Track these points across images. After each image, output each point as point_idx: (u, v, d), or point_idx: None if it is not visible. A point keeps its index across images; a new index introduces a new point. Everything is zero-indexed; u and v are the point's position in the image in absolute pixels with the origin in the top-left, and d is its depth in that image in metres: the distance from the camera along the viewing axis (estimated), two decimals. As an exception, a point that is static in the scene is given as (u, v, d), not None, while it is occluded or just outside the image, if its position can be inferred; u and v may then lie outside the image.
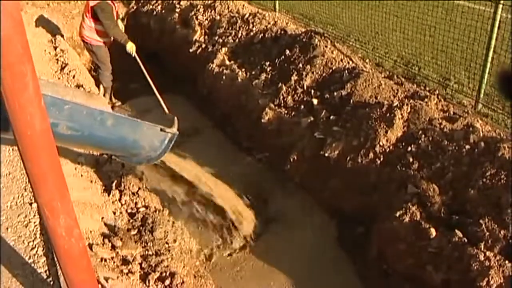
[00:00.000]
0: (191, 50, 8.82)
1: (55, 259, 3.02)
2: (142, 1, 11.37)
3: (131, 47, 7.17)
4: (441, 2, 7.60)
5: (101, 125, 2.96)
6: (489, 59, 5.50)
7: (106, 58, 7.53)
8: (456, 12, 6.32)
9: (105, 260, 3.63)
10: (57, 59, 7.72)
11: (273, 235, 5.56)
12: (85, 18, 7.22)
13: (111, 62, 7.61)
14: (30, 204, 3.94)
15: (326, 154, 5.42)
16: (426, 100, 5.46)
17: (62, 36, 8.96)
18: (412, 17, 6.94)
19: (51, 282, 3.19)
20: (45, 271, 3.29)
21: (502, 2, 5.22)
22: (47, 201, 1.99)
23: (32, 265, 3.34)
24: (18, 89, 1.78)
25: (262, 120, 6.37)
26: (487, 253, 3.91)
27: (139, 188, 4.75)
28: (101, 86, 7.73)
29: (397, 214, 4.49)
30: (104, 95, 7.55)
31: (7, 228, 3.67)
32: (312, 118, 5.91)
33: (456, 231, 4.14)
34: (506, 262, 3.85)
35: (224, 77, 7.57)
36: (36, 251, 3.46)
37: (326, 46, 6.77)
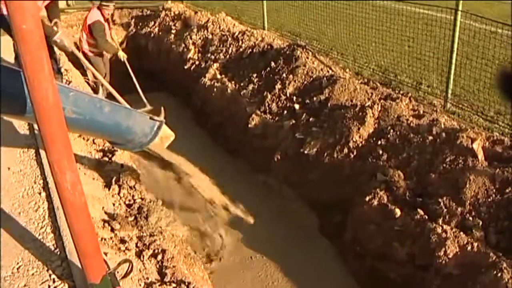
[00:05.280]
0: (185, 67, 9.43)
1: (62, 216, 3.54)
2: (140, 24, 12.03)
3: (121, 55, 8.29)
4: (421, 16, 8.13)
5: (100, 111, 3.49)
6: (453, 61, 6.06)
7: (100, 66, 8.48)
8: (434, 23, 6.85)
9: (105, 239, 4.11)
10: (62, 77, 8.32)
11: (261, 227, 6.06)
12: (83, 34, 8.31)
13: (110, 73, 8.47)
14: (39, 193, 4.47)
15: (306, 152, 5.95)
16: (397, 101, 6.00)
17: (67, 57, 9.57)
18: (393, 30, 7.51)
19: (58, 253, 3.70)
20: (53, 244, 3.79)
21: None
22: (56, 159, 2.51)
23: (42, 240, 3.85)
24: (36, 69, 2.33)
25: (249, 126, 6.93)
26: (444, 226, 4.41)
27: (136, 183, 5.27)
28: (100, 90, 8.51)
29: (367, 199, 5.00)
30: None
31: (19, 213, 4.18)
32: (293, 121, 6.47)
33: (418, 210, 4.64)
34: (461, 233, 4.35)
35: (215, 89, 8.16)
36: (45, 230, 3.97)
37: (307, 57, 7.37)
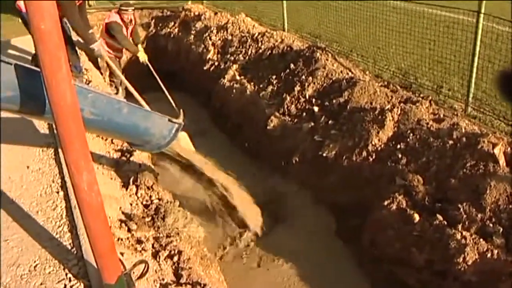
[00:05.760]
0: (205, 68, 9.45)
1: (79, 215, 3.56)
2: (160, 25, 12.09)
3: (141, 56, 8.43)
4: (443, 18, 8.03)
5: (119, 112, 3.50)
6: (475, 64, 5.97)
7: (117, 64, 8.56)
8: (456, 26, 6.75)
9: (122, 240, 4.12)
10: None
11: (278, 230, 6.04)
12: (103, 35, 8.42)
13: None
14: (57, 192, 4.51)
15: (324, 154, 5.91)
16: (417, 104, 5.93)
17: (87, 56, 9.68)
18: (414, 33, 7.42)
19: (74, 252, 3.73)
20: (70, 244, 3.82)
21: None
22: (74, 160, 2.51)
23: (59, 239, 3.88)
24: (55, 69, 2.34)
25: (268, 127, 6.91)
26: (464, 232, 4.34)
27: (153, 183, 5.28)
28: (120, 90, 8.61)
29: (385, 203, 4.94)
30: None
31: (37, 212, 4.23)
32: (312, 124, 6.43)
33: (437, 215, 4.57)
34: (481, 240, 4.27)
35: (234, 90, 8.16)
36: (62, 229, 4.00)
37: (327, 59, 7.32)
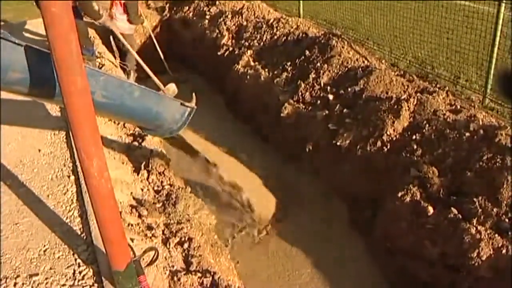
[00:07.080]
0: (219, 53, 9.37)
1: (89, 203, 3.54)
2: (174, 9, 12.01)
3: (145, 24, 9.40)
4: (462, 7, 7.85)
5: (130, 96, 3.45)
6: (494, 55, 5.84)
7: (134, 44, 8.88)
8: (476, 15, 6.60)
9: (132, 225, 4.10)
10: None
11: (290, 218, 6.00)
12: (117, 13, 8.50)
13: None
14: (68, 176, 4.50)
15: (338, 143, 5.83)
16: (434, 94, 5.82)
17: (101, 39, 9.65)
18: (432, 21, 7.27)
19: (84, 237, 3.71)
20: (79, 229, 3.81)
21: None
22: (84, 145, 2.47)
23: (69, 224, 3.87)
24: (65, 53, 2.29)
25: (281, 115, 6.84)
26: (479, 227, 4.26)
27: (165, 169, 5.25)
28: (131, 74, 8.66)
29: (399, 195, 4.87)
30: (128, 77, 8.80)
31: (48, 196, 4.22)
32: (327, 112, 6.34)
33: (452, 208, 4.49)
34: (496, 235, 4.19)
35: (248, 77, 8.08)
36: (73, 213, 3.99)
37: (343, 47, 7.21)
